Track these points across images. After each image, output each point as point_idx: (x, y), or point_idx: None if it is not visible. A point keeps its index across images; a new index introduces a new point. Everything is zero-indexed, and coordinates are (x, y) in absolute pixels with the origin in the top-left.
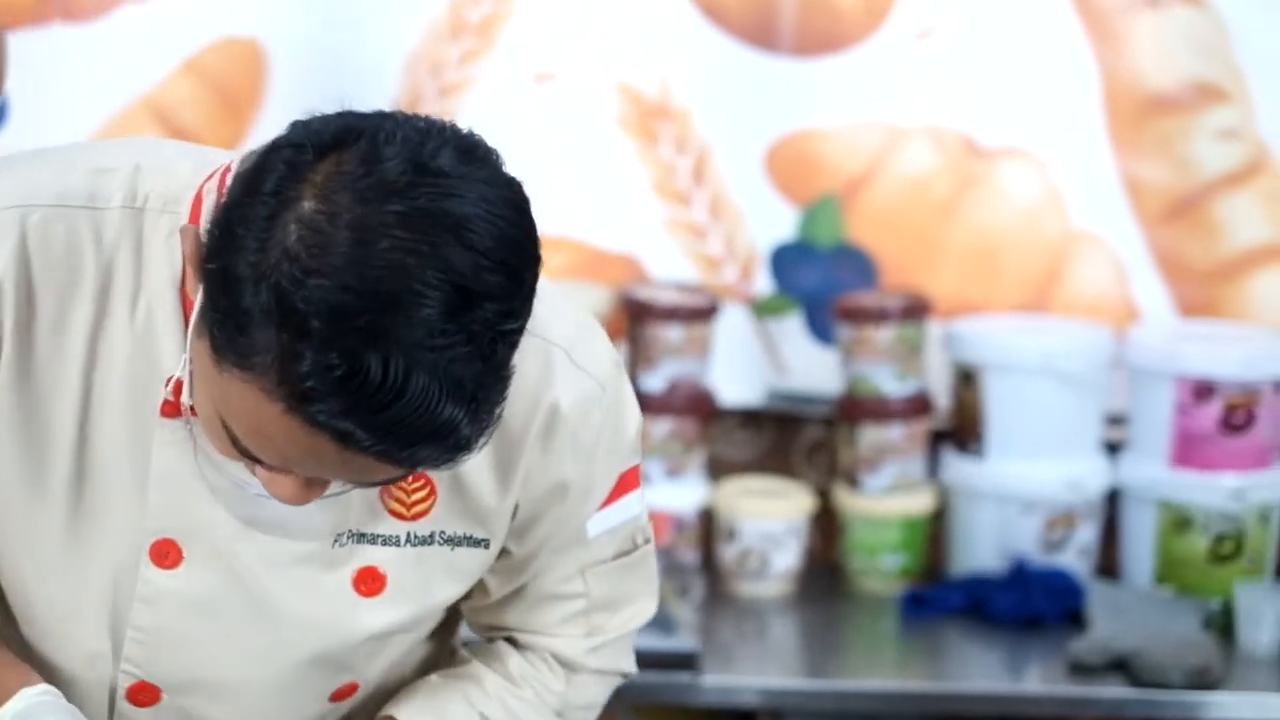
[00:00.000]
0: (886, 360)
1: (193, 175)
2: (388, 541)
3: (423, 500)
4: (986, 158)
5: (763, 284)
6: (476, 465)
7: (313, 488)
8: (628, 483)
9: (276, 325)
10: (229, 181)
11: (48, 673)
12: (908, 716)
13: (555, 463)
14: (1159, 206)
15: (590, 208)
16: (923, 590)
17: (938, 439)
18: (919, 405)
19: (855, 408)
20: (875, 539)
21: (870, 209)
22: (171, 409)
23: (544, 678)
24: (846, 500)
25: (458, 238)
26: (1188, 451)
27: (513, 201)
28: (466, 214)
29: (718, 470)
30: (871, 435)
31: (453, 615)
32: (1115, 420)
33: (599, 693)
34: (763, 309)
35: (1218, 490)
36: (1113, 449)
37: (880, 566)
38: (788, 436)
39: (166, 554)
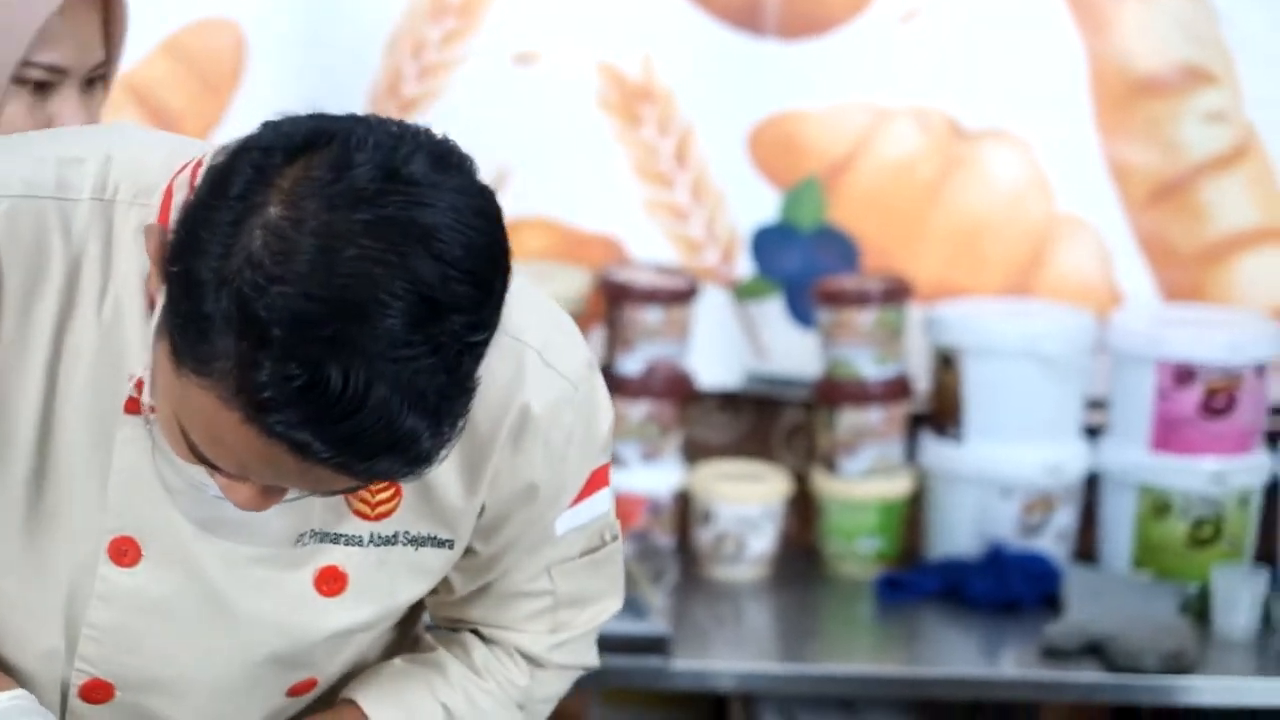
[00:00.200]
0: (866, 343)
1: (165, 166)
2: (350, 541)
3: (387, 501)
4: (971, 140)
5: (744, 266)
6: (444, 466)
7: (271, 494)
8: (597, 480)
9: (236, 332)
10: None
11: None
12: (882, 700)
13: (525, 464)
14: (1145, 190)
15: (571, 189)
16: (899, 574)
17: (917, 423)
18: (898, 389)
19: (834, 391)
20: (852, 523)
21: (853, 191)
22: (135, 406)
23: (508, 671)
24: (824, 484)
25: (426, 248)
26: (1168, 436)
27: (484, 211)
28: (436, 224)
29: (695, 453)
30: (850, 419)
31: (416, 606)
32: (1096, 404)
33: (561, 687)
34: (743, 292)
35: (1197, 474)
36: (1093, 433)
37: (857, 550)
38: (766, 420)
39: (125, 552)
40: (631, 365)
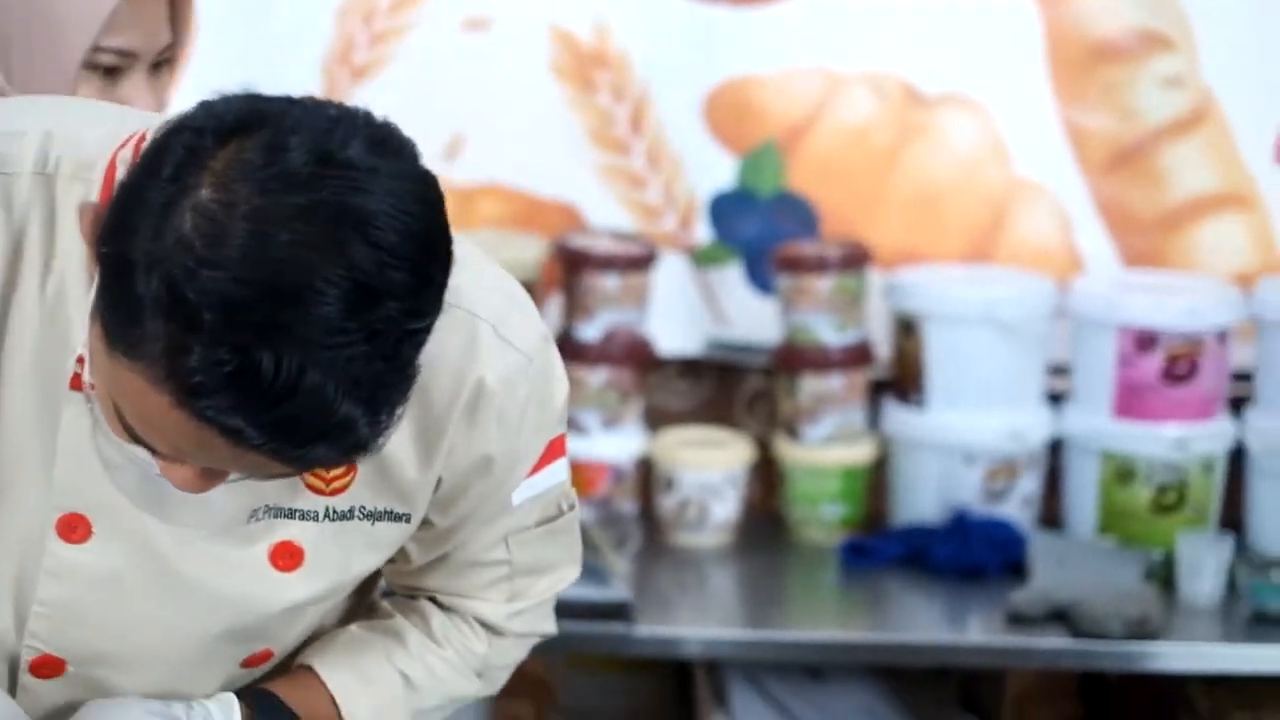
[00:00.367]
0: (826, 310)
1: (107, 139)
2: (305, 516)
3: (342, 476)
4: (928, 105)
5: (703, 233)
6: (398, 441)
7: (211, 477)
8: (554, 451)
9: (166, 316)
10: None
11: None
12: (847, 666)
13: (480, 437)
14: (1103, 155)
15: (526, 155)
16: (862, 540)
17: (879, 389)
18: (859, 355)
19: (795, 357)
20: (815, 489)
21: (810, 157)
22: (79, 383)
23: (466, 639)
24: (786, 450)
25: (362, 233)
26: (1130, 402)
27: (423, 196)
28: (372, 209)
29: (657, 420)
30: (811, 385)
31: (373, 574)
32: (1058, 371)
33: (519, 654)
34: (702, 258)
35: (1160, 440)
36: (1056, 399)
37: (820, 517)
38: (728, 386)
39: (75, 529)
40: (590, 332)
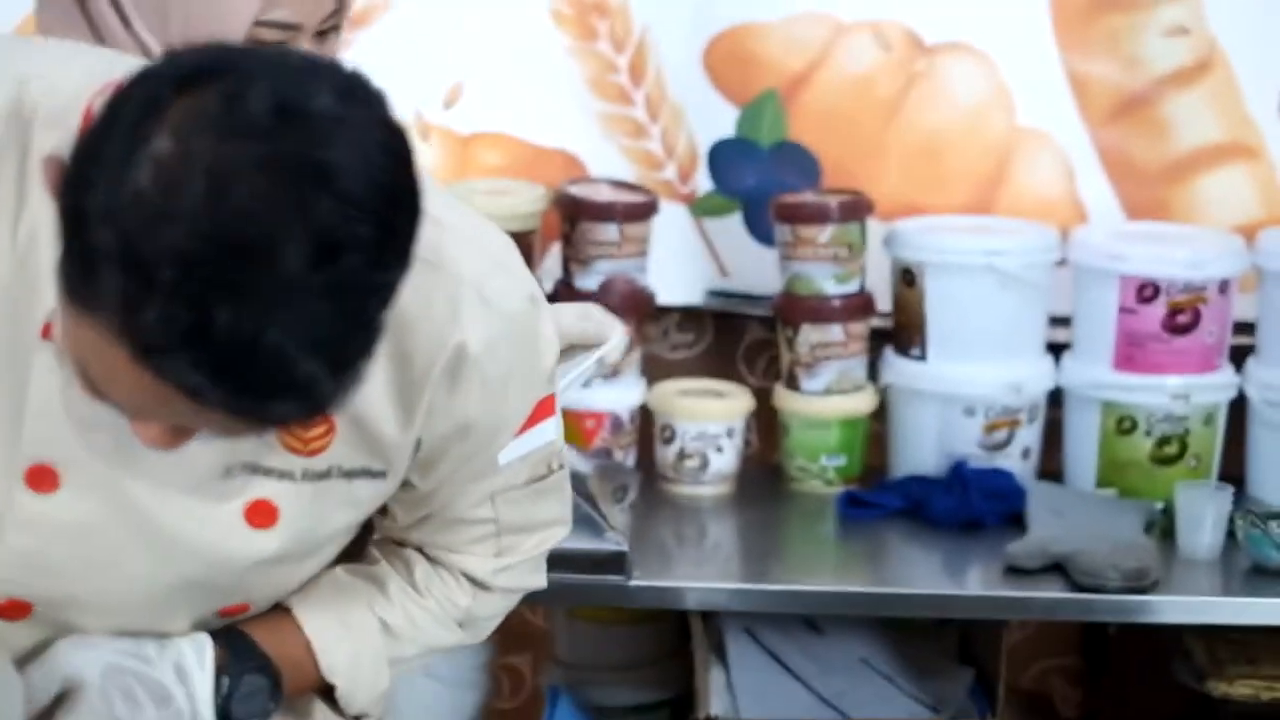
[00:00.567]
0: (826, 260)
1: (84, 82)
2: (283, 476)
3: (320, 437)
4: (931, 53)
5: (704, 182)
6: (377, 398)
7: (180, 433)
8: (543, 411)
9: (122, 271)
10: None
11: None
12: (845, 618)
13: (462, 401)
14: (1106, 105)
15: (527, 104)
16: (861, 492)
17: (879, 340)
18: (859, 305)
19: (794, 308)
20: (815, 440)
21: (812, 106)
22: (50, 332)
23: (449, 590)
24: (786, 401)
25: (323, 185)
26: (1131, 353)
27: (391, 148)
28: (335, 160)
29: (656, 370)
30: (811, 335)
31: (364, 537)
32: (1061, 321)
33: (505, 605)
34: (701, 208)
35: (1161, 391)
36: (1058, 350)
37: (820, 468)
38: (728, 337)
39: (43, 479)
40: (589, 282)
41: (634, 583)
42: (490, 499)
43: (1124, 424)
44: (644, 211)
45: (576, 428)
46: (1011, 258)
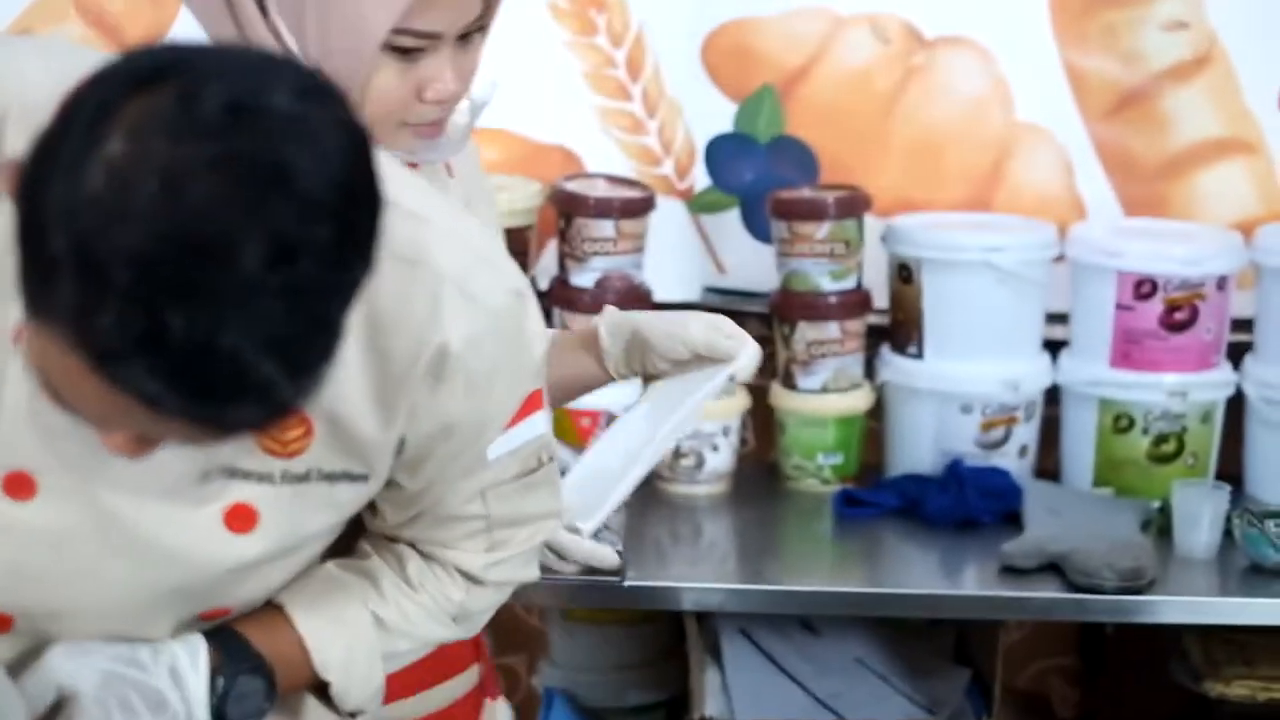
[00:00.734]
0: (823, 257)
1: (50, 82)
2: (261, 479)
3: (298, 439)
4: (929, 48)
5: (700, 178)
6: (357, 398)
7: (146, 441)
8: (531, 405)
9: (76, 276)
10: None
11: None
12: (841, 618)
13: (445, 401)
14: (1104, 100)
15: (524, 99)
16: (858, 490)
17: (876, 337)
18: (856, 302)
19: (791, 304)
20: (811, 438)
21: (810, 102)
22: (21, 338)
23: (443, 585)
24: (782, 399)
25: (279, 185)
26: (1128, 350)
27: (350, 148)
28: (293, 159)
29: None
30: (808, 332)
31: (352, 535)
32: (1058, 318)
33: (498, 598)
34: (698, 204)
35: (1159, 389)
36: (1055, 348)
37: (816, 466)
38: None
39: (20, 486)
40: (585, 278)
41: (629, 584)
42: (481, 494)
43: (1121, 422)
44: (641, 207)
45: (573, 424)
46: (1009, 254)
